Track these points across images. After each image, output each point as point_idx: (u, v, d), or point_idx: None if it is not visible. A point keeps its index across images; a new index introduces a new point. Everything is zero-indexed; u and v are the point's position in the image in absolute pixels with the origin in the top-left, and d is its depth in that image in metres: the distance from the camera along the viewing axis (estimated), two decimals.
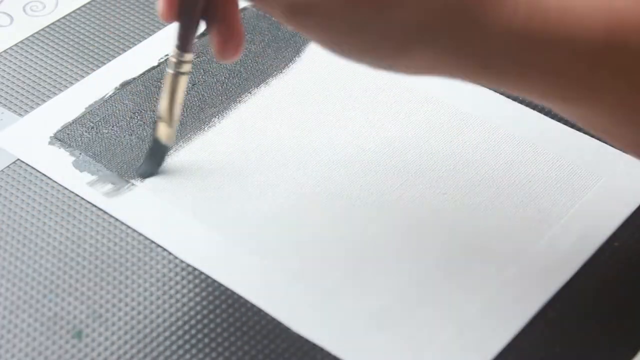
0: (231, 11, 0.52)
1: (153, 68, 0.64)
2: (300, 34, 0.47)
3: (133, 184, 0.58)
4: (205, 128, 0.61)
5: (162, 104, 0.56)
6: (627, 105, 0.45)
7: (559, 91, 0.45)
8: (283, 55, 0.65)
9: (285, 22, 0.46)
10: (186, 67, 0.54)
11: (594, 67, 0.44)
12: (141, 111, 0.62)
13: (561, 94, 0.46)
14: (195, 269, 0.54)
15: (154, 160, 0.58)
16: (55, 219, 0.56)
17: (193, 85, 0.63)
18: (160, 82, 0.63)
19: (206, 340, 0.51)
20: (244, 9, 0.63)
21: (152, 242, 0.55)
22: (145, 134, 0.60)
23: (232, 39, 0.52)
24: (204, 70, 0.64)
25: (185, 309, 0.52)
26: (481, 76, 0.45)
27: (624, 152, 0.57)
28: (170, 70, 0.54)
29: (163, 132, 0.57)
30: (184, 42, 0.53)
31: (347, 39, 0.45)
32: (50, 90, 0.63)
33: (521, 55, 0.44)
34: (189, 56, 0.54)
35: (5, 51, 0.66)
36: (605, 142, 0.59)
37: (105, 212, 0.56)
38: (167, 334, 0.51)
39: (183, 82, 0.55)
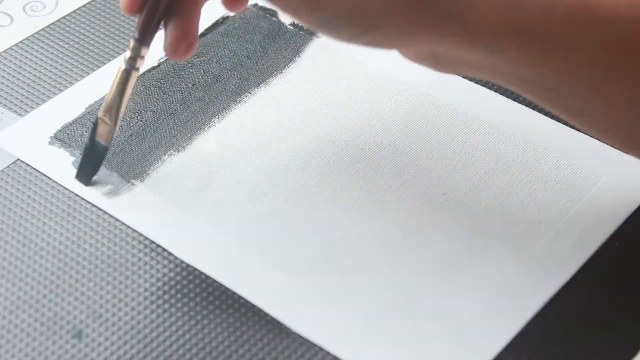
0: (192, 10, 0.53)
1: (153, 68, 0.64)
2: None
3: (133, 184, 0.58)
4: (205, 128, 0.61)
5: (108, 101, 0.55)
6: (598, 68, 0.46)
7: (532, 57, 0.46)
8: (283, 55, 0.65)
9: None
10: (140, 63, 0.54)
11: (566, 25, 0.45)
12: (141, 111, 0.62)
13: (531, 61, 0.46)
14: (195, 269, 0.54)
15: (91, 163, 0.57)
16: (55, 219, 0.56)
17: (193, 85, 0.63)
18: (160, 82, 0.63)
19: (206, 340, 0.51)
20: (246, 8, 0.63)
21: (152, 242, 0.55)
22: (145, 134, 0.60)
23: (185, 39, 0.53)
24: (203, 70, 0.64)
25: (185, 309, 0.52)
26: (455, 39, 0.46)
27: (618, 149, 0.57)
28: (123, 66, 0.54)
29: (103, 131, 0.56)
30: (144, 35, 0.53)
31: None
32: (50, 90, 0.63)
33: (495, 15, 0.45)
34: (145, 51, 0.54)
35: (5, 51, 0.66)
36: (605, 142, 0.59)
37: (105, 212, 0.56)
38: (167, 334, 0.51)
39: (134, 79, 0.55)
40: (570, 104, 0.49)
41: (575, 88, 0.47)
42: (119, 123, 0.56)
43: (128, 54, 0.54)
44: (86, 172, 0.57)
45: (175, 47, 0.53)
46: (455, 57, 0.48)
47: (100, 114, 0.55)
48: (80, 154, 0.59)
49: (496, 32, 0.46)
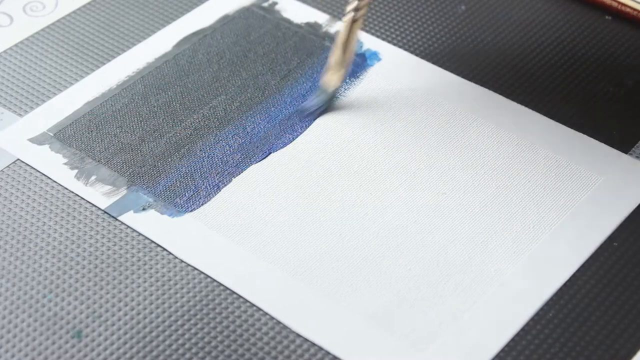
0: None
1: (153, 68, 0.64)
2: None
3: (133, 184, 0.58)
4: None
5: (337, 50, 0.60)
6: None
7: None
8: (291, 58, 0.65)
9: None
10: (361, 13, 0.59)
11: None
12: (141, 111, 0.62)
13: None
14: (195, 268, 0.54)
15: (325, 104, 0.61)
16: (55, 219, 0.56)
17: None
18: (160, 82, 0.63)
19: (206, 340, 0.51)
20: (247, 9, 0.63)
21: (152, 242, 0.55)
22: (145, 134, 0.61)
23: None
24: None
25: (185, 308, 0.52)
26: None
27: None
28: (346, 17, 0.59)
29: (335, 77, 0.60)
30: None
31: None
32: (50, 90, 0.63)
33: None
34: (365, 0, 0.58)
35: (5, 51, 0.66)
36: (605, 143, 0.59)
37: (105, 213, 0.56)
38: (167, 333, 0.51)
39: (357, 27, 0.59)
40: None
41: None
42: (347, 67, 0.60)
43: (350, 6, 0.59)
44: (312, 111, 0.61)
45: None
46: None
47: (328, 65, 0.60)
48: (80, 153, 0.59)
49: None
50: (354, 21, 0.59)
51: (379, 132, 0.60)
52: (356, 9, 0.59)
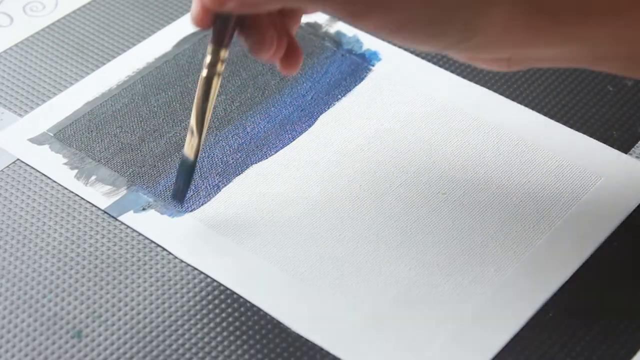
0: (265, 24, 0.51)
1: (153, 68, 0.64)
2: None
3: (133, 184, 0.58)
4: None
5: (194, 113, 0.52)
6: None
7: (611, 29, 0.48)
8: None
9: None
10: (221, 68, 0.51)
11: None
12: (141, 111, 0.62)
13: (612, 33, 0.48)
14: (195, 268, 0.54)
15: (183, 179, 0.55)
16: (55, 219, 0.56)
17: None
18: (160, 82, 0.63)
19: (206, 340, 0.51)
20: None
21: (152, 242, 0.55)
22: (145, 134, 0.61)
23: (263, 49, 0.51)
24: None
25: (185, 308, 0.52)
26: (549, 32, 0.48)
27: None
28: (204, 73, 0.51)
29: (192, 145, 0.53)
30: (221, 37, 0.50)
31: (415, 25, 0.48)
32: (50, 90, 0.63)
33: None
34: (224, 53, 0.51)
35: (5, 51, 0.66)
36: (605, 142, 0.59)
37: (105, 213, 0.56)
38: (167, 333, 0.51)
39: (216, 85, 0.52)
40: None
41: None
42: (204, 134, 0.53)
43: (208, 59, 0.51)
44: (179, 190, 0.55)
45: (254, 53, 0.51)
46: (534, 56, 0.50)
47: (189, 127, 0.53)
48: (80, 153, 0.59)
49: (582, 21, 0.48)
50: (209, 78, 0.51)
51: (379, 132, 0.60)
52: (212, 64, 0.51)
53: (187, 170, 0.54)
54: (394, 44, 0.66)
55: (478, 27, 0.47)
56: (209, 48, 0.51)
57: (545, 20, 0.48)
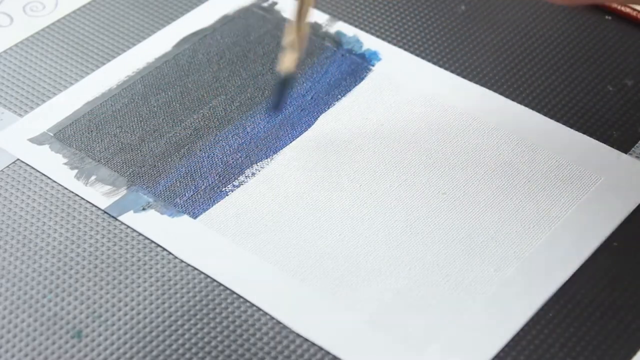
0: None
1: (153, 68, 0.64)
2: None
3: (133, 184, 0.58)
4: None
5: (290, 29, 0.55)
6: None
7: None
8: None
9: None
10: None
11: None
12: (141, 111, 0.62)
13: None
14: (195, 268, 0.54)
15: (281, 92, 0.58)
16: (55, 219, 0.56)
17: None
18: (160, 82, 0.63)
19: (206, 340, 0.51)
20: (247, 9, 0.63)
21: (152, 242, 0.55)
22: (145, 134, 0.61)
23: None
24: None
25: (185, 308, 0.52)
26: None
27: None
28: None
29: (289, 59, 0.56)
30: None
31: None
32: (50, 90, 0.63)
33: None
34: None
35: (5, 51, 0.66)
36: (605, 143, 0.59)
37: (105, 213, 0.56)
38: (167, 333, 0.51)
39: (309, 4, 0.55)
40: None
41: None
42: (302, 50, 0.56)
43: None
44: (278, 102, 0.58)
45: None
46: None
47: (284, 43, 0.56)
48: (80, 153, 0.59)
49: None
50: None
51: (379, 132, 0.60)
52: None
53: (289, 83, 0.58)
54: (394, 44, 0.66)
55: None
56: None
57: None
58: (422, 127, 0.60)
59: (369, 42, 0.66)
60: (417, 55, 0.65)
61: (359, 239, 0.55)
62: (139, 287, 0.53)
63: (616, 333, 0.51)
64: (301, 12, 0.55)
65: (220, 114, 0.62)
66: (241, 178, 0.58)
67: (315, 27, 0.67)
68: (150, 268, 0.54)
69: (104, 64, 0.65)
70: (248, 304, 0.52)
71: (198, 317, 0.52)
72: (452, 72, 0.64)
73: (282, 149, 0.60)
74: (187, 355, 0.50)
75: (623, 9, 0.67)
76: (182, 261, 0.54)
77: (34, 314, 0.52)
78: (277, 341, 0.51)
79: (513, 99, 0.62)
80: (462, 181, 0.57)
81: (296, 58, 0.56)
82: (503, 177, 0.58)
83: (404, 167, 0.58)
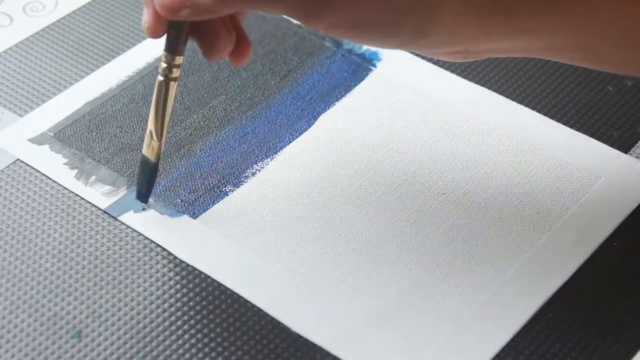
0: (216, 27, 0.51)
1: (153, 68, 0.64)
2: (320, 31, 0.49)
3: (133, 184, 0.58)
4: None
5: (151, 116, 0.53)
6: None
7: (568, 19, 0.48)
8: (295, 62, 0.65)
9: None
10: (176, 72, 0.52)
11: None
12: (141, 111, 0.62)
13: (570, 21, 0.49)
14: (195, 268, 0.54)
15: (144, 181, 0.56)
16: (55, 219, 0.56)
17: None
18: None
19: (206, 340, 0.51)
20: None
21: (152, 242, 0.55)
22: (145, 133, 0.60)
23: (216, 50, 0.51)
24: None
25: (185, 308, 0.52)
26: (502, 26, 0.48)
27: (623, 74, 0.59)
28: (159, 77, 0.52)
29: (152, 147, 0.54)
30: (174, 45, 0.51)
31: (369, 27, 0.48)
32: (50, 90, 0.63)
33: None
34: (179, 59, 0.51)
35: (5, 51, 0.66)
36: (605, 143, 0.59)
37: (105, 212, 0.56)
38: (167, 333, 0.51)
39: (173, 89, 0.52)
40: (599, 58, 0.51)
41: (601, 47, 0.50)
42: (164, 137, 0.54)
43: (163, 65, 0.52)
44: (142, 192, 0.56)
45: (208, 57, 0.51)
46: (489, 48, 0.50)
47: (147, 130, 0.54)
48: (80, 153, 0.59)
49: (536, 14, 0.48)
50: (167, 82, 0.52)
51: (379, 132, 0.60)
52: (169, 68, 0.52)
53: (150, 172, 0.55)
54: None
55: (431, 26, 0.47)
56: (163, 56, 0.51)
57: (497, 15, 0.48)
58: (422, 127, 0.60)
59: None
60: (417, 55, 0.65)
61: (359, 239, 0.55)
62: (139, 287, 0.53)
63: (616, 333, 0.51)
64: (165, 101, 0.52)
65: (220, 114, 0.62)
66: (241, 178, 0.58)
67: None
68: (150, 268, 0.54)
69: (104, 64, 0.65)
70: (248, 304, 0.52)
71: (198, 317, 0.52)
72: (452, 72, 0.64)
73: (282, 149, 0.60)
74: (187, 355, 0.50)
75: None
76: (182, 261, 0.54)
77: (34, 314, 0.52)
78: (277, 341, 0.51)
79: (513, 99, 0.62)
80: (462, 181, 0.57)
81: (158, 147, 0.54)
82: (503, 177, 0.58)
83: (404, 167, 0.58)
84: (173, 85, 0.52)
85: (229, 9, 0.48)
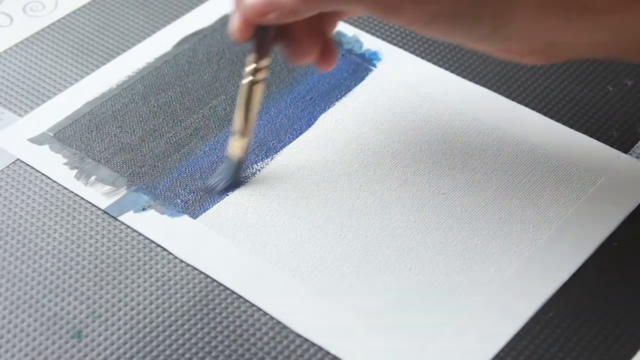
0: (303, 32, 0.53)
1: (153, 68, 0.64)
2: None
3: (133, 184, 0.58)
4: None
5: (238, 116, 0.55)
6: None
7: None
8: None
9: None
10: (262, 75, 0.54)
11: None
12: (141, 111, 0.62)
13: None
14: (195, 269, 0.54)
15: (230, 176, 0.57)
16: (55, 219, 0.56)
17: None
18: (160, 82, 0.63)
19: (206, 340, 0.51)
20: None
21: (152, 242, 0.55)
22: (145, 134, 0.61)
23: (300, 55, 0.53)
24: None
25: (185, 308, 0.52)
26: (583, 18, 0.49)
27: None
28: (245, 80, 0.54)
29: (237, 146, 0.56)
30: (262, 48, 0.53)
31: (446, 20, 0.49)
32: (50, 90, 0.63)
33: None
34: (265, 62, 0.53)
35: (5, 51, 0.66)
36: (605, 143, 0.59)
37: (105, 213, 0.56)
38: (167, 333, 0.51)
39: (258, 90, 0.54)
40: None
41: None
42: (251, 135, 0.56)
43: (250, 67, 0.54)
44: (218, 186, 0.57)
45: (293, 60, 0.53)
46: (569, 43, 0.50)
47: (232, 130, 0.56)
48: (80, 153, 0.59)
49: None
50: (253, 84, 0.54)
51: (379, 132, 0.60)
52: (255, 71, 0.54)
53: (235, 169, 0.57)
54: (394, 44, 0.66)
55: (510, 15, 0.48)
56: (251, 58, 0.53)
57: (576, 5, 0.48)
58: (422, 127, 0.60)
59: (369, 42, 0.66)
60: (417, 55, 0.65)
61: (359, 239, 0.55)
62: (139, 287, 0.53)
63: (616, 333, 0.51)
64: (250, 102, 0.54)
65: (220, 114, 0.62)
66: (241, 178, 0.58)
67: None
68: (150, 268, 0.54)
69: (104, 64, 0.65)
70: (248, 304, 0.52)
71: (198, 317, 0.52)
72: (452, 72, 0.64)
73: (282, 149, 0.60)
74: (187, 355, 0.50)
75: None
76: (182, 261, 0.54)
77: (34, 314, 0.52)
78: (277, 341, 0.51)
79: (513, 99, 0.62)
80: (462, 181, 0.57)
81: (245, 144, 0.56)
82: (503, 177, 0.58)
83: (404, 167, 0.58)
84: (258, 87, 0.54)
85: (313, 9, 0.50)
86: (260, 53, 0.53)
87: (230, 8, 0.52)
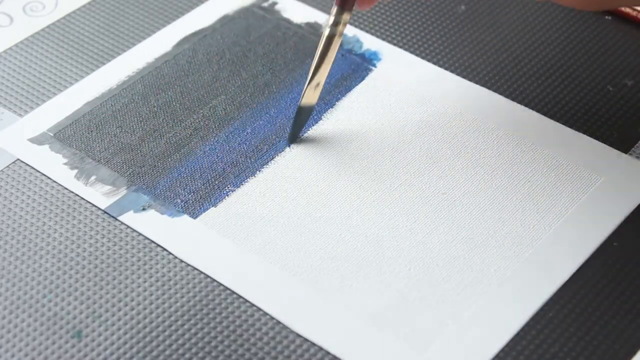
0: None
1: (153, 68, 0.64)
2: None
3: (133, 184, 0.58)
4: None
5: (314, 66, 0.58)
6: None
7: None
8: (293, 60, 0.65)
9: None
10: (342, 29, 0.57)
11: None
12: (141, 111, 0.62)
13: None
14: (195, 268, 0.54)
15: (299, 124, 0.60)
16: (55, 219, 0.56)
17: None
18: (160, 82, 0.63)
19: (206, 340, 0.51)
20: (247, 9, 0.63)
21: (152, 242, 0.55)
22: (145, 134, 0.61)
23: None
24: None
25: (185, 308, 0.52)
26: None
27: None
28: (326, 32, 0.57)
29: (311, 95, 0.59)
30: (346, 1, 0.57)
31: None
32: (50, 90, 0.63)
33: None
34: (347, 16, 0.57)
35: (5, 51, 0.66)
36: (605, 142, 0.59)
37: (105, 213, 0.56)
38: (167, 333, 0.51)
39: (336, 44, 0.58)
40: None
41: None
42: (321, 85, 0.59)
43: (331, 19, 0.57)
44: (295, 134, 0.60)
45: (361, 6, 0.58)
46: None
47: (308, 81, 0.59)
48: (80, 153, 0.59)
49: None
50: (330, 37, 0.58)
51: (378, 132, 0.60)
52: (335, 24, 0.58)
53: (307, 115, 0.60)
54: (394, 44, 0.66)
55: None
56: (334, 10, 0.57)
57: None
58: (422, 127, 0.60)
59: (369, 42, 0.66)
60: (417, 55, 0.65)
61: (359, 239, 0.55)
62: (139, 287, 0.53)
63: (616, 333, 0.51)
64: (327, 54, 0.58)
65: (220, 114, 0.62)
66: (241, 178, 0.58)
67: (315, 27, 0.67)
68: (150, 268, 0.54)
69: (104, 64, 0.65)
70: (248, 304, 0.52)
71: (198, 317, 0.52)
72: (452, 72, 0.64)
73: (282, 149, 0.60)
74: (187, 355, 0.50)
75: (623, 9, 0.67)
76: (182, 261, 0.54)
77: (34, 314, 0.52)
78: (277, 341, 0.51)
79: (513, 99, 0.62)
80: (462, 181, 0.57)
81: (318, 94, 0.59)
82: (503, 177, 0.58)
83: (404, 167, 0.58)
84: (337, 40, 0.58)
85: None
86: (343, 6, 0.57)
87: None
